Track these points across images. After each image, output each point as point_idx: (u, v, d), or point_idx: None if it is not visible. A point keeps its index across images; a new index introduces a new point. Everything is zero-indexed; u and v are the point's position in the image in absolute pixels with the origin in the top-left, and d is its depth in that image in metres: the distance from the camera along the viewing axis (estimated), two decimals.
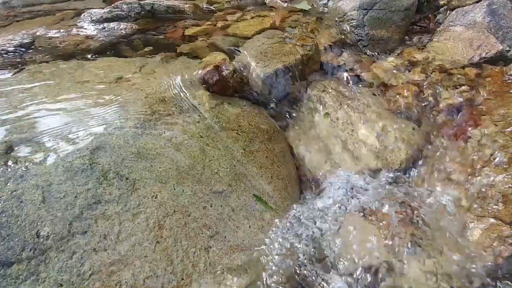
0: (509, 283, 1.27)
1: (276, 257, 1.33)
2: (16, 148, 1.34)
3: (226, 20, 2.60)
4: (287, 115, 1.94)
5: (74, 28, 2.45)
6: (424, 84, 1.98)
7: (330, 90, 1.96)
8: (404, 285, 1.29)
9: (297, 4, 2.82)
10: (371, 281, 1.30)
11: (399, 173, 1.71)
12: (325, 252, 1.38)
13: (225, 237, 1.34)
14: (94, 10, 2.61)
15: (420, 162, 1.75)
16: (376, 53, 2.26)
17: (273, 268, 1.30)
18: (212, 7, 2.94)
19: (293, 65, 1.90)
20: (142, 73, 1.89)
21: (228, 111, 1.76)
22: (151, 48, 2.22)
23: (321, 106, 1.92)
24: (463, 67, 2.04)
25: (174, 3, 2.73)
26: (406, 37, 2.38)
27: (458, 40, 2.16)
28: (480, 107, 1.82)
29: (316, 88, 1.98)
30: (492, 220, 1.41)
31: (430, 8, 2.52)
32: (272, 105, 1.94)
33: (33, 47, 2.22)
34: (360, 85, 2.05)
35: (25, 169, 1.27)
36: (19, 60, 2.05)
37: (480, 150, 1.62)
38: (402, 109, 1.90)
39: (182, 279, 1.20)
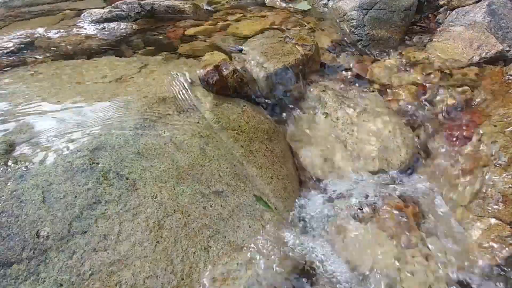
0: (509, 283, 1.27)
1: (276, 257, 1.33)
2: (16, 148, 1.34)
3: (226, 20, 2.60)
4: (287, 115, 1.94)
5: (74, 28, 2.45)
6: (424, 84, 1.98)
7: (330, 90, 1.96)
8: (404, 286, 1.29)
9: (297, 4, 2.82)
10: (370, 282, 1.30)
11: (399, 174, 1.71)
12: (324, 252, 1.38)
13: (225, 237, 1.34)
14: (94, 10, 2.61)
15: (420, 163, 1.75)
16: (376, 53, 2.26)
17: (273, 268, 1.30)
18: (212, 7, 2.94)
19: (293, 65, 1.90)
20: (142, 73, 1.89)
21: (228, 111, 1.76)
22: (151, 48, 2.22)
23: (321, 106, 1.92)
24: (463, 67, 2.04)
25: (174, 3, 2.73)
26: (406, 37, 2.38)
27: (458, 40, 2.16)
28: (480, 107, 1.82)
29: (316, 88, 1.98)
30: (492, 220, 1.41)
31: (430, 8, 2.52)
32: (272, 105, 1.94)
33: (33, 47, 2.22)
34: (360, 85, 2.05)
35: (25, 169, 1.27)
36: (19, 60, 2.05)
37: (480, 150, 1.62)
38: (402, 109, 1.91)
39: (182, 279, 1.20)
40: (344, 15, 2.37)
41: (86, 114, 1.54)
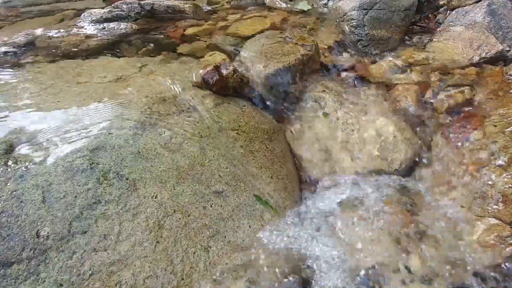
0: (510, 283, 1.27)
1: (276, 257, 1.33)
2: (16, 148, 1.35)
3: (226, 20, 2.60)
4: (287, 115, 1.94)
5: (74, 28, 2.45)
6: (424, 84, 1.98)
7: (330, 90, 1.96)
8: (404, 286, 1.29)
9: (297, 4, 2.82)
10: (371, 282, 1.30)
11: (399, 174, 1.71)
12: (324, 252, 1.38)
13: (225, 237, 1.34)
14: (94, 10, 2.61)
15: (420, 163, 1.75)
16: (376, 53, 2.26)
17: (273, 268, 1.30)
18: (212, 7, 2.94)
19: (293, 65, 1.90)
20: (142, 73, 1.89)
21: (228, 111, 1.76)
22: (151, 48, 2.22)
23: (321, 106, 1.92)
24: (463, 67, 2.04)
25: (174, 3, 2.73)
26: (406, 37, 2.38)
27: (458, 40, 2.16)
28: (480, 107, 1.82)
29: (316, 88, 1.98)
30: (492, 220, 1.41)
31: (430, 8, 2.52)
32: (272, 105, 1.93)
33: (33, 47, 2.22)
34: (360, 85, 2.05)
35: (25, 169, 1.27)
36: (19, 60, 2.05)
37: (480, 150, 1.62)
38: (402, 109, 1.90)
39: (182, 279, 1.20)
40: (344, 15, 2.37)
41: (86, 114, 1.54)
